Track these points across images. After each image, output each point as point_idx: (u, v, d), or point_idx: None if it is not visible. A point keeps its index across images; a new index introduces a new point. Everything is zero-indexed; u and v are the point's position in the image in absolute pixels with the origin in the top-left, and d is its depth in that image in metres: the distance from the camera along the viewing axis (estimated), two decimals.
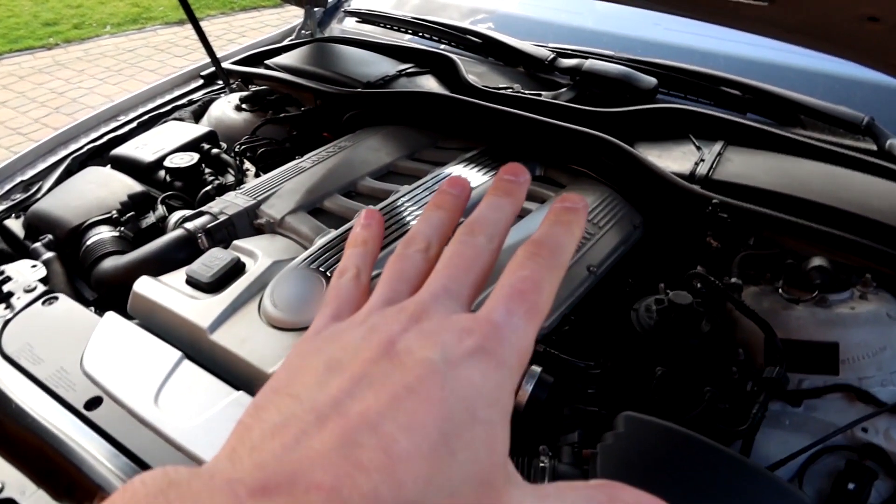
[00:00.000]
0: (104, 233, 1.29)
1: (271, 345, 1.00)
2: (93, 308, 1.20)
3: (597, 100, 1.61)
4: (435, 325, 0.33)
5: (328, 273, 1.09)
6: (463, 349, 0.31)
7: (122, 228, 1.31)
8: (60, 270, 1.29)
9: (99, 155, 1.68)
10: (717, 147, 1.38)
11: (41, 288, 1.19)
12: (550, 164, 1.45)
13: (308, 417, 0.30)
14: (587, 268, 1.12)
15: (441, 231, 0.42)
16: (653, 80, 1.57)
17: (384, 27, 2.14)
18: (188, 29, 6.71)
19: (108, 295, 1.24)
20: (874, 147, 1.40)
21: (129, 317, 1.10)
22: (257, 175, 1.54)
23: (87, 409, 0.95)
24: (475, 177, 1.38)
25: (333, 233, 1.19)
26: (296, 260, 1.13)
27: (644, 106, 1.49)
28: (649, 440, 0.85)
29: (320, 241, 1.16)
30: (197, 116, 1.82)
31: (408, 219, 1.23)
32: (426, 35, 1.99)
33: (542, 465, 0.82)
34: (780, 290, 1.09)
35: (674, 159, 1.36)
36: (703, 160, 1.33)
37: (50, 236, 1.33)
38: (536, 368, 0.93)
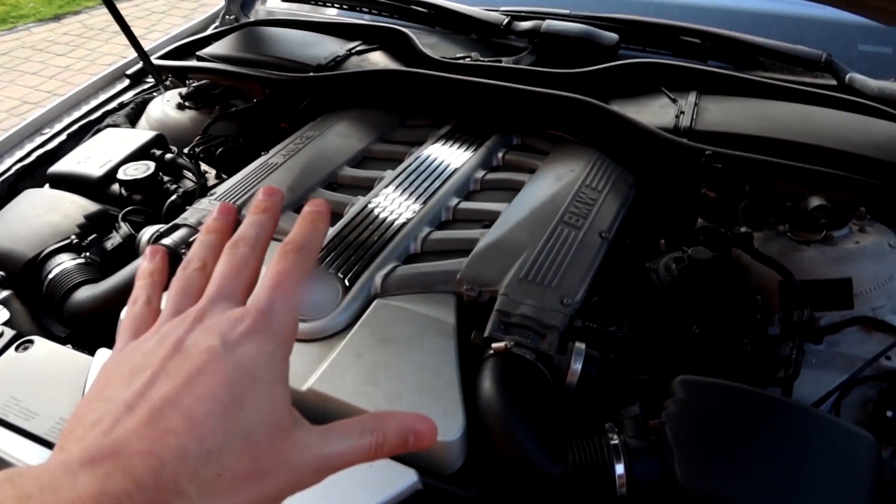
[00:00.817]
0: (66, 261, 1.16)
1: (296, 358, 0.90)
2: (70, 346, 1.08)
3: (558, 61, 1.58)
4: (214, 321, 0.43)
5: (339, 274, 1.02)
6: (237, 333, 0.41)
7: (87, 254, 1.18)
8: (22, 309, 1.15)
9: (30, 175, 1.52)
10: (692, 98, 1.38)
11: (8, 332, 1.06)
12: (526, 131, 1.42)
13: (120, 410, 0.38)
14: (599, 234, 1.10)
15: (213, 250, 0.50)
16: (614, 37, 1.56)
17: (316, 4, 2.03)
18: (66, 25, 6.20)
19: (84, 329, 1.12)
20: (834, 83, 1.45)
21: None
22: (219, 177, 1.43)
23: None
24: (456, 153, 1.33)
25: (330, 231, 1.11)
26: None
27: (613, 63, 1.47)
28: (711, 401, 0.85)
29: None
30: (132, 120, 1.66)
31: (403, 205, 1.17)
32: (365, 9, 1.90)
33: (613, 442, 0.80)
34: (788, 234, 1.11)
35: (653, 114, 1.35)
36: (682, 112, 1.33)
37: (1, 273, 1.19)
38: (581, 345, 0.92)
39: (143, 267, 0.53)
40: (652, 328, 1.02)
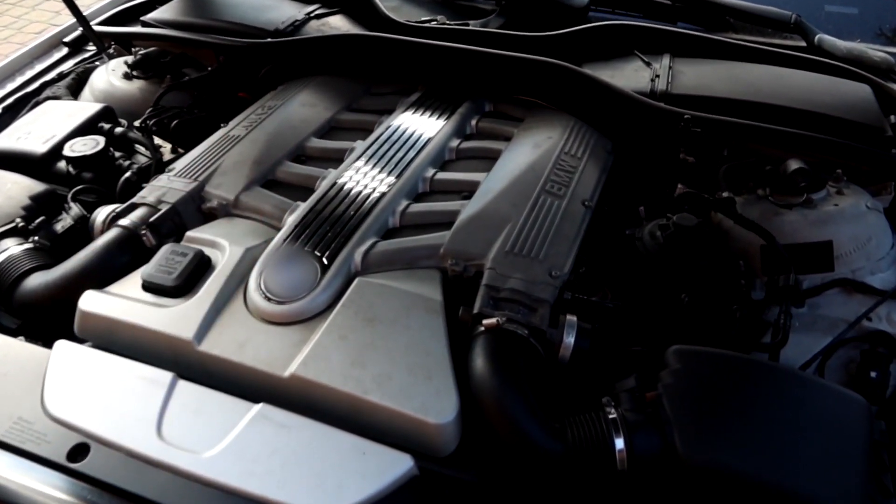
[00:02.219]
0: (12, 247, 1.07)
1: (275, 344, 0.88)
2: (22, 338, 1.00)
3: (527, 24, 1.53)
4: None
5: (316, 252, 0.97)
6: None
7: (35, 238, 1.09)
8: None
9: None
10: (666, 61, 1.36)
11: None
12: (499, 98, 1.37)
13: None
14: (582, 203, 1.08)
15: None
16: None
17: None
18: None
19: (37, 319, 1.04)
20: (803, 44, 1.44)
21: (78, 341, 0.93)
22: (174, 151, 1.34)
23: (73, 461, 0.80)
24: (428, 122, 1.28)
25: (303, 206, 1.06)
26: (273, 242, 0.99)
27: (584, 26, 1.43)
28: (706, 371, 0.84)
29: (293, 218, 1.03)
30: (74, 91, 1.55)
31: (377, 177, 1.11)
32: None
33: (611, 416, 0.78)
34: (769, 198, 1.10)
35: (628, 78, 1.32)
36: (657, 76, 1.31)
37: None
38: (572, 318, 0.89)
39: None
40: (639, 297, 1.01)
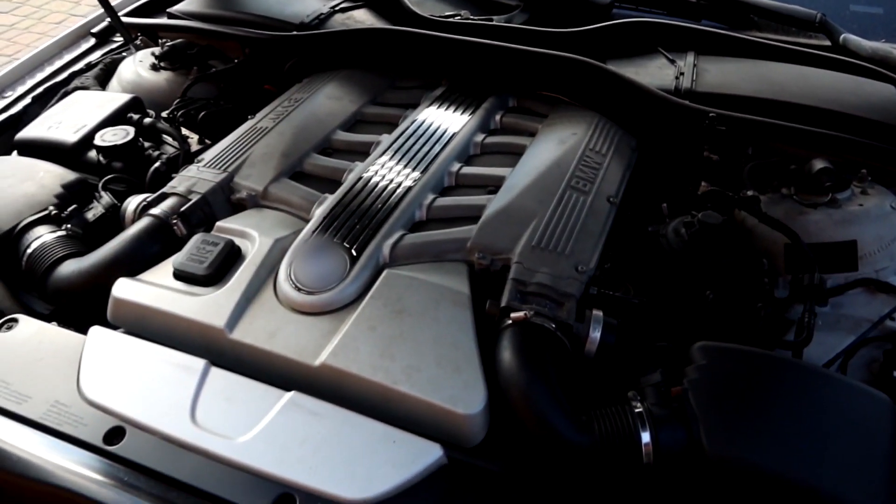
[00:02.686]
0: (46, 234, 1.09)
1: (305, 333, 0.89)
2: (55, 324, 1.02)
3: (551, 20, 1.53)
4: None
5: (345, 244, 0.98)
6: None
7: (68, 226, 1.11)
8: (0, 285, 1.09)
9: None
10: (690, 58, 1.36)
11: None
12: (522, 93, 1.38)
13: None
14: (607, 199, 1.08)
15: None
16: None
17: None
18: None
19: (70, 305, 1.06)
20: (828, 43, 1.44)
21: (111, 327, 0.95)
22: (201, 142, 1.36)
23: (109, 444, 0.82)
24: (452, 117, 1.29)
25: (331, 198, 1.07)
26: (303, 233, 1.01)
27: (609, 22, 1.43)
28: (731, 367, 0.85)
29: (321, 210, 1.05)
30: (102, 82, 1.57)
31: (403, 171, 1.13)
32: None
33: (637, 410, 0.79)
34: (794, 197, 1.11)
35: (652, 75, 1.33)
36: (682, 73, 1.31)
37: None
38: (598, 313, 0.90)
39: None
40: (663, 293, 1.01)
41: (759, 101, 1.24)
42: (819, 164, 1.11)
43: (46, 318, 1.04)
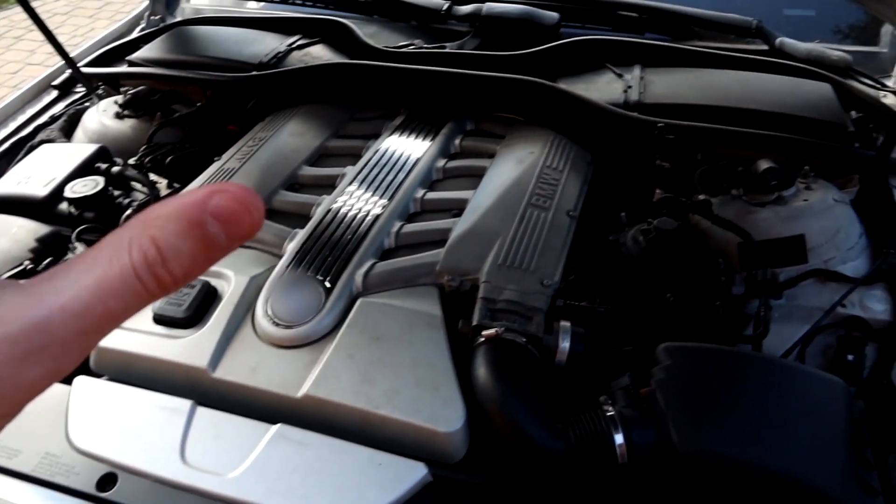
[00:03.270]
0: None
1: (286, 366, 0.92)
2: None
3: (502, 43, 1.59)
4: None
5: (318, 276, 1.02)
6: None
7: None
8: None
9: None
10: (637, 72, 1.42)
11: None
12: (480, 116, 1.43)
13: None
14: (567, 213, 1.13)
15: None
16: (555, 15, 1.58)
17: None
18: None
19: None
20: (766, 47, 1.52)
21: (95, 376, 0.97)
22: (170, 187, 1.39)
23: (102, 491, 0.83)
24: (414, 144, 1.33)
25: (302, 233, 1.10)
26: (277, 269, 1.04)
27: (557, 42, 1.50)
28: (695, 365, 0.89)
29: (293, 245, 1.08)
30: (67, 133, 1.58)
31: (370, 200, 1.16)
32: (298, 1, 1.86)
33: (609, 413, 0.83)
34: (743, 197, 1.17)
35: (601, 91, 1.39)
36: (630, 87, 1.37)
37: None
38: (566, 324, 0.95)
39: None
40: (626, 300, 1.06)
41: (704, 108, 1.30)
42: (764, 165, 1.17)
43: None
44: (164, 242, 0.26)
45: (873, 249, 1.15)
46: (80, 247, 1.19)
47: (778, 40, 1.49)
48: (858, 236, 1.15)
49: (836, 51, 1.49)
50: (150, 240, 0.26)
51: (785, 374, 0.88)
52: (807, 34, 1.55)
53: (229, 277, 1.05)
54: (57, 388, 0.96)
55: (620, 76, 1.41)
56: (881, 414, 0.91)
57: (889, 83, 1.48)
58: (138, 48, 1.73)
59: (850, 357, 1.01)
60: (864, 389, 0.98)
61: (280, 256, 1.08)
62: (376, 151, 1.30)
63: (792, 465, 0.78)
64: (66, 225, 1.27)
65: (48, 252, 1.19)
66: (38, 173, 1.35)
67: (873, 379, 0.99)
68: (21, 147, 1.52)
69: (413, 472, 0.79)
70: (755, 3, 1.63)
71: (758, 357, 0.93)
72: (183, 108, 1.58)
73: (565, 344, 0.92)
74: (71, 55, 1.64)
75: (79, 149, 1.41)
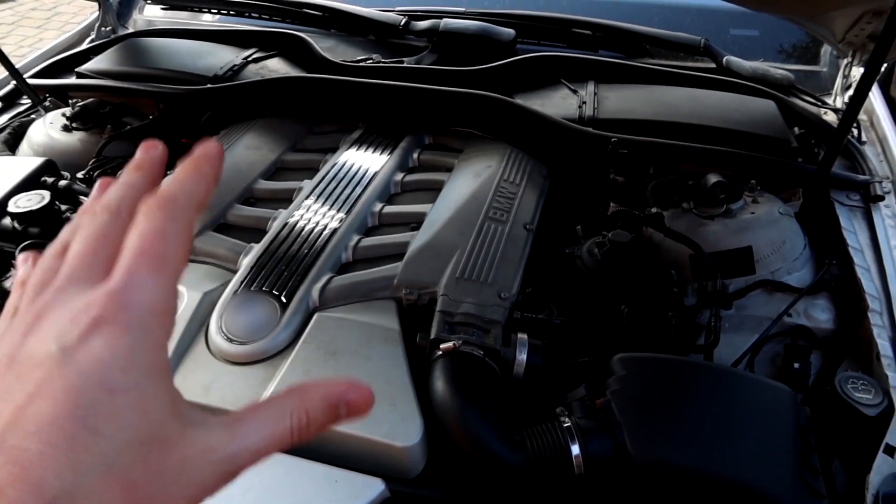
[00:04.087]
0: None
1: (241, 383, 0.91)
2: None
3: (459, 58, 1.61)
4: (54, 318, 0.33)
5: (274, 291, 1.00)
6: (80, 330, 0.31)
7: None
8: None
9: None
10: (591, 87, 1.45)
11: None
12: (437, 130, 1.44)
13: None
14: (524, 227, 1.14)
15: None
16: (511, 32, 1.61)
17: (198, 11, 1.95)
18: None
19: None
20: (713, 65, 1.57)
21: None
22: None
23: None
24: (371, 158, 1.33)
25: (257, 248, 1.09)
26: (231, 284, 1.02)
27: (513, 58, 1.52)
28: (649, 375, 0.91)
29: (248, 260, 1.06)
30: (11, 146, 1.53)
31: (327, 214, 1.16)
32: (254, 14, 1.84)
33: (566, 425, 0.84)
34: (693, 211, 1.20)
35: (556, 106, 1.41)
36: (584, 102, 1.40)
37: None
38: (523, 336, 0.95)
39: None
40: (582, 311, 1.08)
41: (655, 124, 1.34)
42: (713, 179, 1.21)
43: None
44: (313, 416, 0.36)
45: (816, 260, 1.19)
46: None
47: (725, 58, 1.54)
48: (803, 248, 1.19)
49: (779, 69, 1.55)
50: (305, 413, 0.36)
51: (735, 383, 0.90)
52: (751, 53, 1.61)
53: (182, 293, 1.02)
54: None
55: (575, 92, 1.44)
56: (826, 420, 0.94)
57: (829, 101, 1.55)
58: (88, 59, 1.69)
59: (796, 365, 1.04)
60: (809, 396, 1.01)
61: (235, 271, 1.06)
62: (334, 165, 1.29)
63: (743, 471, 0.80)
64: (9, 241, 1.22)
65: None
66: None
67: (818, 386, 1.02)
68: None
69: (370, 489, 0.78)
70: (703, 23, 1.68)
71: (709, 366, 0.95)
72: (134, 120, 1.55)
73: (522, 356, 0.93)
74: (16, 66, 1.59)
75: (23, 162, 1.36)
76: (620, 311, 1.04)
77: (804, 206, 1.25)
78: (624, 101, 1.41)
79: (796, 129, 1.40)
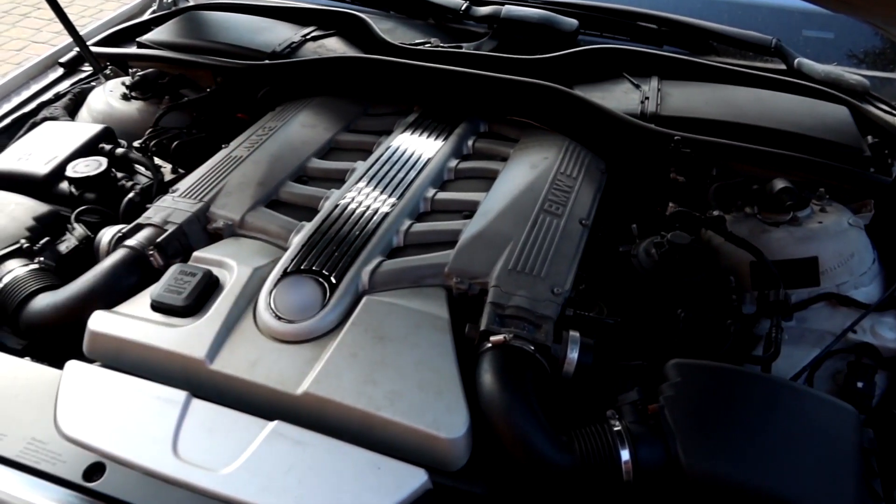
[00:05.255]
0: (17, 268, 1.07)
1: (287, 362, 0.90)
2: (28, 359, 1.01)
3: (519, 47, 1.58)
4: None
5: (324, 271, 0.99)
6: None
7: (40, 259, 1.10)
8: None
9: None
10: (654, 83, 1.41)
11: None
12: (493, 119, 1.41)
13: None
14: (580, 222, 1.11)
15: None
16: (574, 22, 1.57)
17: None
18: None
19: (43, 340, 1.05)
20: (783, 67, 1.50)
21: (87, 361, 0.94)
22: (175, 172, 1.36)
23: (89, 481, 0.81)
24: (426, 143, 1.31)
25: (309, 226, 1.08)
26: (281, 262, 1.01)
27: (576, 49, 1.48)
28: (705, 383, 0.87)
29: (299, 238, 1.06)
30: (71, 112, 1.55)
31: (379, 197, 1.14)
32: None
33: (616, 428, 0.81)
34: (757, 216, 1.15)
35: (618, 100, 1.37)
36: (647, 98, 1.35)
37: None
38: (575, 334, 0.92)
39: None
40: (635, 312, 1.04)
41: (720, 124, 1.29)
42: (780, 184, 1.15)
43: (19, 354, 1.03)
44: None
45: (886, 276, 1.13)
46: (78, 228, 1.17)
47: (796, 60, 1.48)
48: (872, 262, 1.13)
49: (853, 74, 1.48)
50: None
51: (796, 398, 0.86)
52: (825, 56, 1.54)
53: (232, 267, 1.02)
54: (47, 372, 0.94)
55: (638, 87, 1.40)
56: (890, 444, 0.90)
57: None
58: (149, 30, 1.71)
59: (859, 384, 0.99)
60: (872, 418, 0.96)
61: (285, 249, 1.06)
62: (388, 148, 1.28)
63: (801, 492, 0.76)
64: (65, 205, 1.24)
65: (46, 232, 1.16)
66: (39, 151, 1.32)
67: (883, 408, 0.98)
68: (23, 123, 1.49)
69: (413, 478, 0.77)
70: (774, 23, 1.62)
71: (769, 379, 0.91)
72: (191, 92, 1.56)
73: (574, 354, 0.90)
74: (80, 33, 1.61)
75: (83, 128, 1.38)
76: (676, 315, 1.00)
77: (875, 219, 1.19)
78: (688, 98, 1.37)
79: (869, 137, 1.33)
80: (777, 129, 1.27)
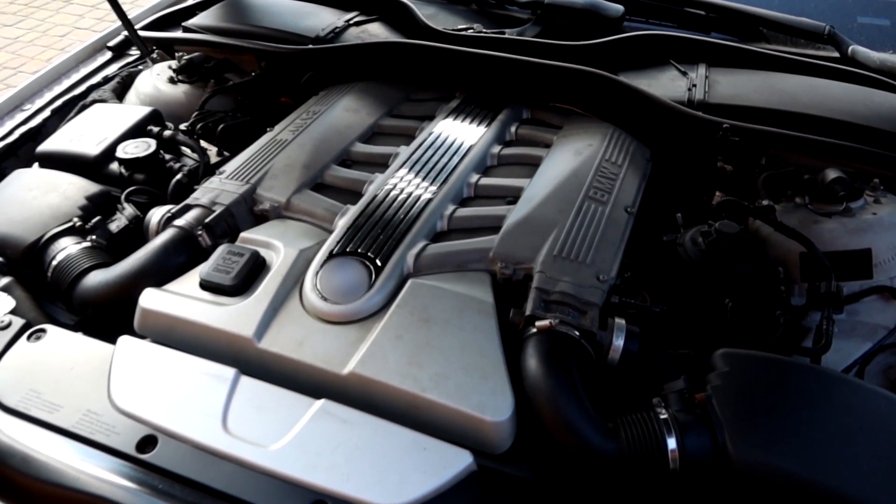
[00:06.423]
0: (71, 245, 1.10)
1: (333, 342, 0.91)
2: (80, 334, 1.03)
3: (563, 32, 1.56)
4: None
5: (369, 254, 1.00)
6: None
7: (92, 237, 1.12)
8: (25, 296, 1.09)
9: (13, 154, 1.43)
10: (702, 70, 1.38)
11: (17, 321, 1.00)
12: (536, 105, 1.40)
13: None
14: (625, 209, 1.10)
15: None
16: (619, 8, 1.55)
17: None
18: None
19: (96, 316, 1.08)
20: (836, 55, 1.46)
21: (137, 337, 0.96)
22: (220, 154, 1.38)
23: (141, 452, 0.83)
24: (468, 128, 1.31)
25: (353, 209, 1.09)
26: (326, 244, 1.02)
27: (621, 35, 1.46)
28: (754, 373, 0.86)
29: (344, 221, 1.06)
30: (119, 95, 1.58)
31: (423, 182, 1.14)
32: None
33: (662, 416, 0.80)
34: (809, 206, 1.12)
35: (665, 87, 1.35)
36: (694, 85, 1.33)
37: (0, 258, 1.12)
38: (621, 321, 0.92)
39: None
40: (683, 302, 1.03)
41: (771, 112, 1.26)
42: (832, 174, 1.13)
43: (72, 329, 1.05)
44: None
45: None
46: (128, 208, 1.19)
47: (850, 48, 1.44)
48: None
49: None
50: None
51: (850, 391, 0.84)
52: (880, 44, 1.49)
53: (279, 248, 1.03)
54: (100, 347, 0.96)
55: (685, 74, 1.37)
56: None
57: None
58: (195, 15, 1.73)
59: None
60: None
61: (330, 231, 1.07)
62: (431, 133, 1.28)
63: (855, 486, 0.75)
64: (115, 185, 1.26)
65: (97, 211, 1.19)
66: (89, 132, 1.35)
67: None
68: (73, 105, 1.52)
69: (458, 460, 0.77)
70: (827, 9, 1.57)
71: (820, 370, 0.89)
72: (236, 76, 1.57)
73: (619, 342, 0.90)
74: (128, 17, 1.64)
75: (131, 110, 1.41)
76: (724, 304, 0.99)
77: None
78: (737, 86, 1.34)
79: None
80: (830, 117, 1.24)
